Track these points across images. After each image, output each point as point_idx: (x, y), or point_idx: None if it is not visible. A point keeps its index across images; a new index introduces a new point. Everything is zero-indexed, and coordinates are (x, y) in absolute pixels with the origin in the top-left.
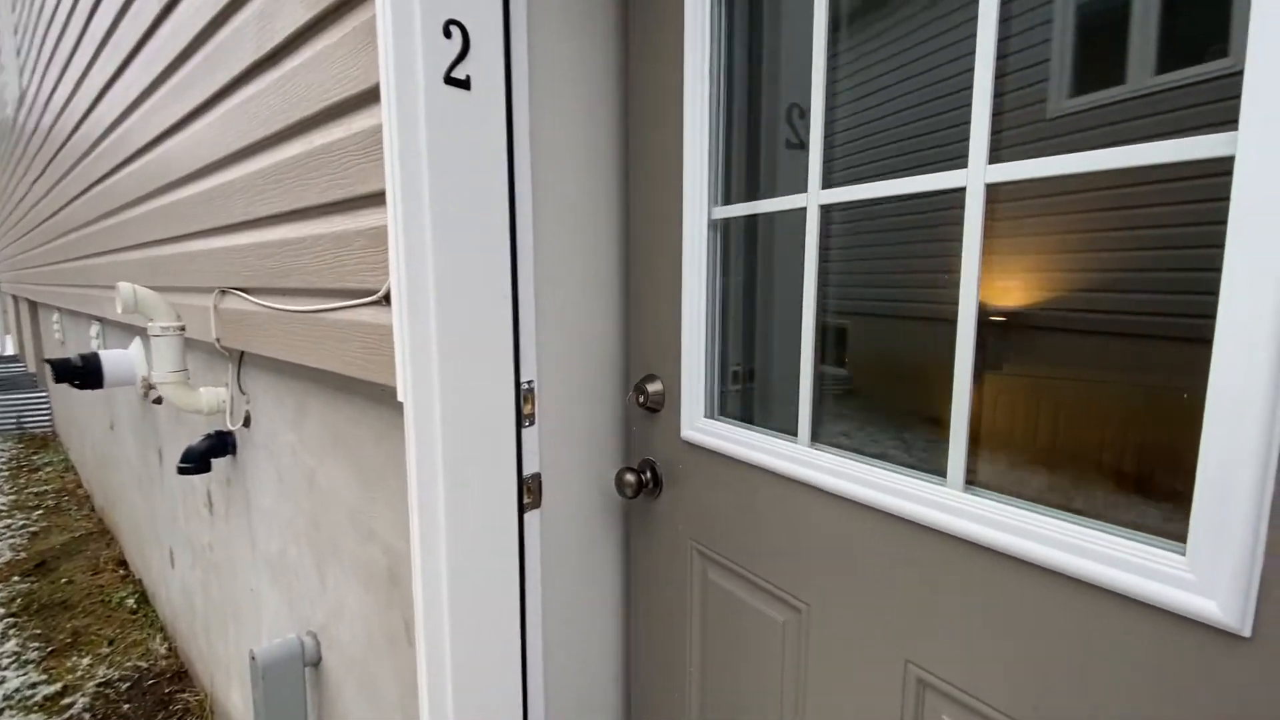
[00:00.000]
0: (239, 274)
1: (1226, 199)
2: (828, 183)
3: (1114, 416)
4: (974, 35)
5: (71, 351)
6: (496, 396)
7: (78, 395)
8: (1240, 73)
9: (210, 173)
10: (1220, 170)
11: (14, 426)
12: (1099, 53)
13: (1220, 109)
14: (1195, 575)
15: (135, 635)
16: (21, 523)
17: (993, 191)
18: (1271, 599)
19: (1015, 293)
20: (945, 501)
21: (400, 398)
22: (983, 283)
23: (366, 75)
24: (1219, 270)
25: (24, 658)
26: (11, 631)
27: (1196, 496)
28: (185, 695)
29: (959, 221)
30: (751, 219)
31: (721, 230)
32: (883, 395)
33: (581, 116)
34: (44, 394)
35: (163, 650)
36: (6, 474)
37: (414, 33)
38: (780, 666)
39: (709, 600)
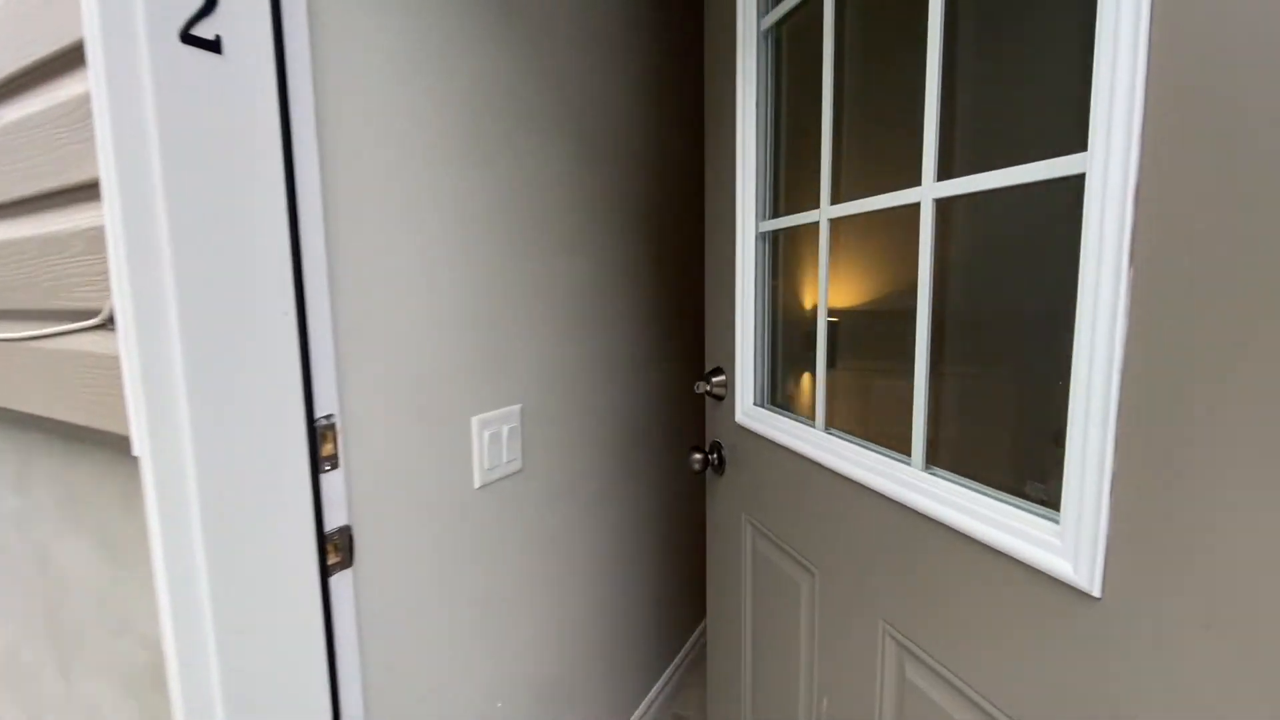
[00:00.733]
0: None
1: None
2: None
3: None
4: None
5: None
6: (279, 439)
7: None
8: None
9: None
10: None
11: None
12: None
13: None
14: (1062, 542)
15: None
16: None
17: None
18: (1115, 563)
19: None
20: (907, 479)
21: (136, 451)
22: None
23: (66, 26)
24: None
25: None
26: None
27: (1065, 469)
28: None
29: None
30: (782, 231)
31: (770, 241)
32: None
33: (420, 100)
34: None
35: None
36: None
37: None
38: (799, 622)
39: (756, 563)
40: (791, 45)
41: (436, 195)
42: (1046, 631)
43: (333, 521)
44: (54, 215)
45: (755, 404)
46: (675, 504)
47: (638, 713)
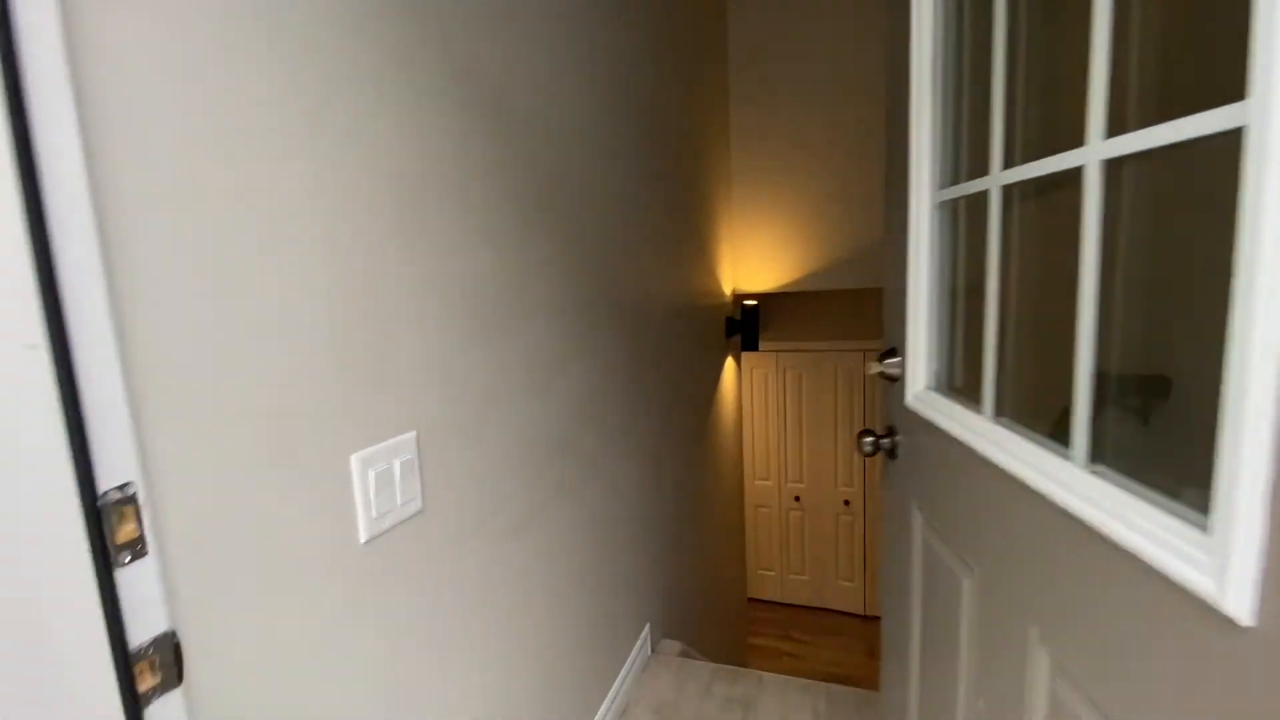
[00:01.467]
0: None
1: None
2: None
3: None
4: None
5: None
6: (34, 537)
7: None
8: None
9: None
10: None
11: None
12: None
13: None
14: (1208, 556)
15: None
16: None
17: None
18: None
19: None
20: (1062, 475)
21: None
22: None
23: None
24: None
25: None
26: None
27: (1215, 470)
28: None
29: None
30: (963, 200)
31: (950, 211)
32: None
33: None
34: None
35: None
36: None
37: None
38: (959, 618)
39: (926, 552)
40: None
41: (283, 171)
42: (1190, 661)
43: (144, 632)
44: None
45: (927, 388)
46: (616, 507)
47: None
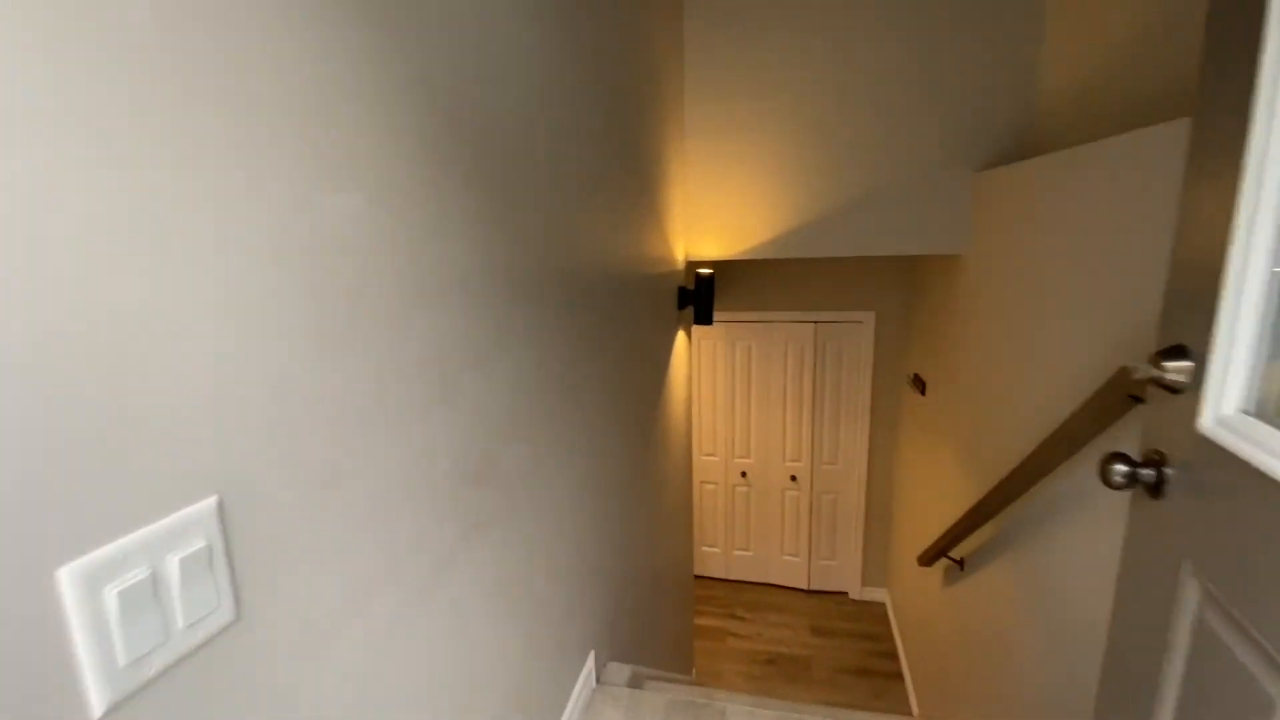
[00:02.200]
0: None
1: None
2: None
3: None
4: None
5: None
6: None
7: None
8: None
9: None
10: None
11: None
12: None
13: None
14: None
15: None
16: None
17: None
18: None
19: None
20: None
21: None
22: None
23: None
24: None
25: None
26: None
27: None
28: None
29: None
30: None
31: None
32: None
33: None
34: None
35: None
36: None
37: None
38: None
39: (1196, 639)
40: None
41: None
42: None
43: None
44: None
45: (1243, 410)
46: (554, 527)
47: None
